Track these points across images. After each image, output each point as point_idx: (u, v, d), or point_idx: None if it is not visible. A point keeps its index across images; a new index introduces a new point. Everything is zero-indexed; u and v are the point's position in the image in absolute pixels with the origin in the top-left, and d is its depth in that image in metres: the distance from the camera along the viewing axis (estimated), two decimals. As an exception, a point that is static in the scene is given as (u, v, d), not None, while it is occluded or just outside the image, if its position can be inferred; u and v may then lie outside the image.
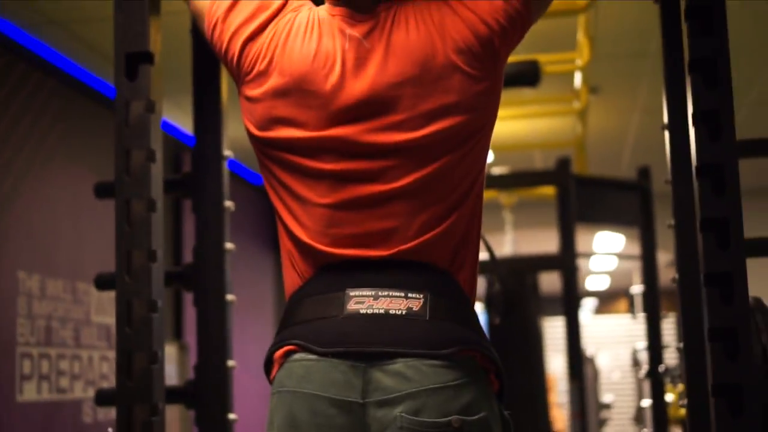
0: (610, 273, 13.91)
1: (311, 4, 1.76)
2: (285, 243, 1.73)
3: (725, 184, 1.86)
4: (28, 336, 4.66)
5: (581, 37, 4.29)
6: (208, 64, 2.59)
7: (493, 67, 1.68)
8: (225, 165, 2.55)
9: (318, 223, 1.66)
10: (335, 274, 1.66)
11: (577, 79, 5.02)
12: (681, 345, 2.16)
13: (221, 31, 1.76)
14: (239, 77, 1.74)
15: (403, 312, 1.62)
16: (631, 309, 10.79)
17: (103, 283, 2.17)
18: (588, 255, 10.29)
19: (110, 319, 5.25)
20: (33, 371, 4.69)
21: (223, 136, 2.57)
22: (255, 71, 1.71)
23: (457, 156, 1.66)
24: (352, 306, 1.63)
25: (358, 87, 1.65)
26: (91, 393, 5.02)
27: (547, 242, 6.89)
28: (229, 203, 2.55)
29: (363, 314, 1.62)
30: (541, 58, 4.38)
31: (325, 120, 1.66)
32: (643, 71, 5.90)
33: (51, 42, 5.04)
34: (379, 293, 1.62)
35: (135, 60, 2.07)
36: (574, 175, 5.45)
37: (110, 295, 2.06)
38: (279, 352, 1.67)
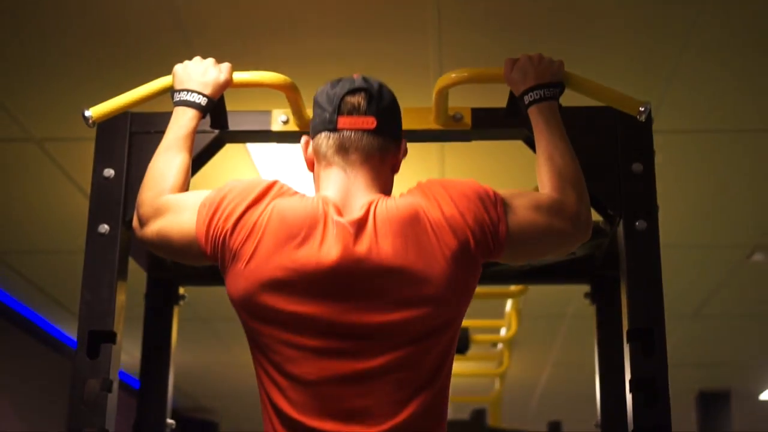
0: None
1: (301, 193, 1.85)
2: (270, 418, 1.76)
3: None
4: None
5: (510, 310, 4.42)
6: (160, 327, 2.66)
7: (466, 268, 1.78)
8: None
9: (303, 398, 1.72)
10: None
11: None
12: None
13: (216, 223, 1.81)
14: (230, 255, 1.79)
15: None
16: None
17: None
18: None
19: None
20: None
21: (168, 395, 2.61)
22: (245, 247, 1.77)
23: (427, 343, 1.74)
24: None
25: (341, 268, 1.73)
26: None
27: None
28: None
29: None
30: (470, 323, 4.46)
31: (309, 295, 1.73)
32: (559, 330, 6.08)
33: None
34: None
35: (97, 339, 2.07)
36: (489, 428, 5.50)
37: None
38: None
